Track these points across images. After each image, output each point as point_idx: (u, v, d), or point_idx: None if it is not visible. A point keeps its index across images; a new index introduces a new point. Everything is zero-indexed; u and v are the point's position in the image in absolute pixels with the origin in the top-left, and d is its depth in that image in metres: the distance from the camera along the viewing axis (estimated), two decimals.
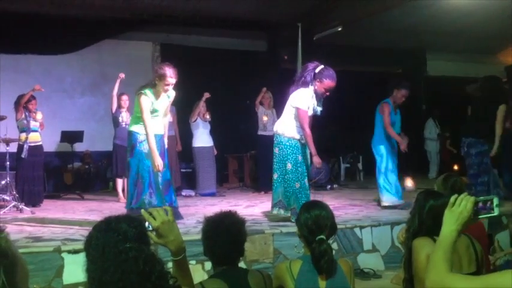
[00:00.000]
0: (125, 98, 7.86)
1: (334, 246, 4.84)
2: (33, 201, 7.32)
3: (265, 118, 8.84)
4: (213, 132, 8.85)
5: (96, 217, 5.68)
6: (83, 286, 3.96)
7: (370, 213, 6.19)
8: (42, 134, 7.58)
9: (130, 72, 8.33)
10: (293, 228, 5.07)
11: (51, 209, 7.21)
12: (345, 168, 11.37)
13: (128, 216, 1.82)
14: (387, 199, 6.50)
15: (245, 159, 10.17)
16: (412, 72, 12.49)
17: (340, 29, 9.43)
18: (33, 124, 7.38)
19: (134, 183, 5.30)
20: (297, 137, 5.33)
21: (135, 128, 5.36)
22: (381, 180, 6.54)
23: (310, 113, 5.35)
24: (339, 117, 11.38)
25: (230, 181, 10.60)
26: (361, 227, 5.36)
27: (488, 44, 11.59)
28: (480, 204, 1.87)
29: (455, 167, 11.11)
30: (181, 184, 8.75)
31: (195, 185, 8.77)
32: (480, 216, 1.88)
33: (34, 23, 9.10)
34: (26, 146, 7.21)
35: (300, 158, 5.30)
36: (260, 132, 8.88)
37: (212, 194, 8.54)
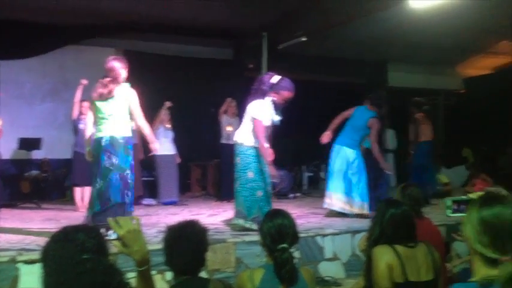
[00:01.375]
0: (86, 104, 7.70)
1: (296, 254, 4.87)
2: None
3: (229, 128, 8.83)
4: (177, 140, 8.78)
5: (54, 226, 5.54)
6: None
7: (331, 222, 6.25)
8: None
9: (93, 78, 8.19)
10: (255, 237, 5.07)
11: (7, 218, 6.97)
12: (307, 177, 11.45)
13: (86, 226, 1.78)
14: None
15: (208, 167, 10.12)
16: (373, 83, 12.71)
17: (304, 39, 9.53)
18: None
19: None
20: (258, 145, 5.36)
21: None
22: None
23: (268, 123, 5.39)
24: (302, 126, 11.48)
25: (193, 190, 10.52)
26: (323, 236, 5.41)
27: (448, 56, 11.90)
28: (455, 206, 1.97)
29: None
30: (142, 193, 8.63)
31: (156, 193, 8.67)
32: (454, 215, 1.97)
33: None
34: None
35: (261, 166, 5.34)
36: (223, 141, 8.87)
37: (174, 203, 8.45)
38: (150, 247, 4.37)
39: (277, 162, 10.04)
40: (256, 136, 5.32)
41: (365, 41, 10.32)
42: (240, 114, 8.75)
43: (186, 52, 10.61)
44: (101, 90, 5.22)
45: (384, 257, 2.77)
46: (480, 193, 1.87)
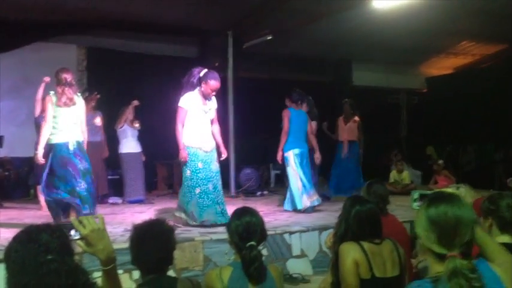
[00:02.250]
0: None
1: (264, 252, 4.89)
2: None
3: None
4: (142, 139, 8.69)
5: (17, 226, 5.40)
6: None
7: (299, 219, 6.30)
8: None
9: (54, 75, 8.01)
10: (223, 235, 5.07)
11: None
12: (275, 174, 11.49)
13: (50, 225, 1.74)
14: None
15: (174, 165, 10.05)
16: (339, 81, 12.85)
17: (269, 37, 9.56)
18: None
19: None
20: (196, 145, 5.63)
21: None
22: None
23: (198, 112, 5.69)
24: (269, 124, 11.52)
25: (159, 188, 10.44)
26: (290, 233, 5.45)
27: (411, 55, 12.14)
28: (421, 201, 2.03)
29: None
30: (108, 191, 8.51)
31: (122, 192, 8.56)
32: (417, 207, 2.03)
33: None
34: None
35: (200, 164, 5.61)
36: None
37: (140, 201, 8.36)
38: (117, 246, 4.33)
39: (245, 161, 10.17)
40: (176, 121, 5.72)
41: (330, 40, 10.43)
42: None
43: (151, 50, 10.50)
44: (65, 98, 5.55)
45: (351, 253, 2.80)
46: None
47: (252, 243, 2.59)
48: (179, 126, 5.68)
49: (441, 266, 1.69)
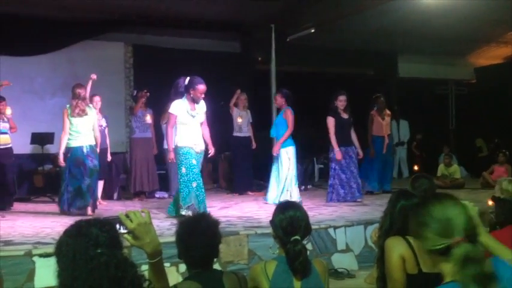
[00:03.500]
0: (96, 99, 7.78)
1: (309, 246, 4.87)
2: (3, 204, 7.18)
3: (239, 119, 8.86)
4: None
5: (68, 220, 5.59)
6: None
7: (343, 214, 6.25)
8: (11, 136, 7.44)
9: (102, 73, 8.23)
10: (267, 229, 5.09)
11: (21, 212, 7.07)
12: (318, 168, 11.44)
13: (99, 220, 1.77)
14: None
15: (219, 160, 10.14)
16: (384, 73, 12.64)
17: (313, 30, 9.49)
18: (3, 126, 7.24)
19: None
20: (188, 144, 5.97)
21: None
22: None
23: (186, 117, 6.03)
24: (313, 119, 11.45)
25: (204, 182, 10.52)
26: (335, 227, 5.41)
27: (459, 46, 11.81)
28: None
29: (416, 168, 11.35)
30: (158, 187, 8.73)
31: (168, 187, 8.71)
32: None
33: (4, 24, 8.91)
34: None
35: (194, 161, 5.98)
36: (235, 134, 8.90)
37: None
38: (164, 240, 4.43)
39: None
40: (167, 126, 6.26)
41: (374, 32, 10.26)
42: (249, 106, 8.79)
43: (195, 46, 10.60)
44: (78, 110, 6.64)
45: (397, 248, 2.76)
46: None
47: (297, 237, 2.57)
48: (169, 130, 6.14)
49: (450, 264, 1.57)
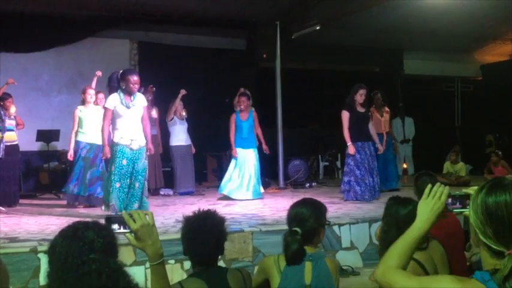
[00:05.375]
0: (101, 96, 7.76)
1: None
2: (8, 201, 7.20)
3: None
4: (192, 131, 8.81)
5: (73, 217, 5.63)
6: None
7: (348, 211, 6.25)
8: (17, 133, 7.47)
9: (108, 70, 8.21)
10: (272, 226, 5.10)
11: (27, 209, 7.10)
12: (323, 166, 11.42)
13: (98, 224, 1.71)
14: None
15: (224, 157, 10.14)
16: (389, 70, 12.60)
17: (318, 27, 9.46)
18: (9, 123, 7.26)
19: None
20: (123, 142, 5.78)
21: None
22: None
23: (122, 109, 5.85)
24: (317, 116, 11.44)
25: (209, 180, 10.56)
26: (340, 225, 5.41)
27: (465, 43, 11.76)
28: (450, 200, 1.86)
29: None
30: (163, 184, 8.74)
31: (173, 184, 8.72)
32: (455, 211, 1.89)
33: (9, 21, 8.94)
34: (1, 146, 7.08)
35: (124, 161, 5.77)
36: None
37: (190, 193, 8.50)
38: (168, 237, 4.45)
39: (293, 152, 10.16)
40: (103, 121, 6.09)
41: (380, 29, 10.23)
42: (253, 104, 8.77)
43: (200, 43, 10.61)
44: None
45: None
46: (474, 187, 1.75)
47: (296, 229, 2.65)
48: (105, 126, 6.01)
49: (497, 260, 1.51)
